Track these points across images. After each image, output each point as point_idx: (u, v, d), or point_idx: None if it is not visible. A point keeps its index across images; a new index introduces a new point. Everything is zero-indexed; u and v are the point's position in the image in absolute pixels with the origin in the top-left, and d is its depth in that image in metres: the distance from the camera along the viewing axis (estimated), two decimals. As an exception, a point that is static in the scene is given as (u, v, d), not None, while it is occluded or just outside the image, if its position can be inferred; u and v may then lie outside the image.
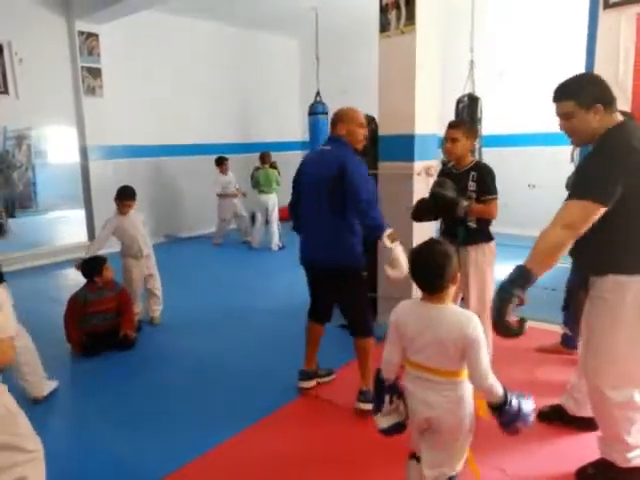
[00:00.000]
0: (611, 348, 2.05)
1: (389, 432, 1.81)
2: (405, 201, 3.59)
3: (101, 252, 4.11)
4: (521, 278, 1.85)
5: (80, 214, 7.51)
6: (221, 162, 7.53)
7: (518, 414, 1.58)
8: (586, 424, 2.48)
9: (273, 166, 7.61)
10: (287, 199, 3.16)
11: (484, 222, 2.95)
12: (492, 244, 3.02)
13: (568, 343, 3.41)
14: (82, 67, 6.98)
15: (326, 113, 7.57)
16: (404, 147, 3.72)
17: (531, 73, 6.96)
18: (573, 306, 3.08)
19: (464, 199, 2.84)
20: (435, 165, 3.83)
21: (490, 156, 5.26)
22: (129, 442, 2.68)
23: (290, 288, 5.09)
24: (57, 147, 8.75)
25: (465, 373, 1.68)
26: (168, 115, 7.90)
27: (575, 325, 2.74)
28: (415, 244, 3.66)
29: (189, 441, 2.63)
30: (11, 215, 7.64)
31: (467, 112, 5.55)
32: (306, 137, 8.64)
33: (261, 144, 8.69)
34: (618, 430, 2.10)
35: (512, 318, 1.83)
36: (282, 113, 9.68)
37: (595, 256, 1.92)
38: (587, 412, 2.48)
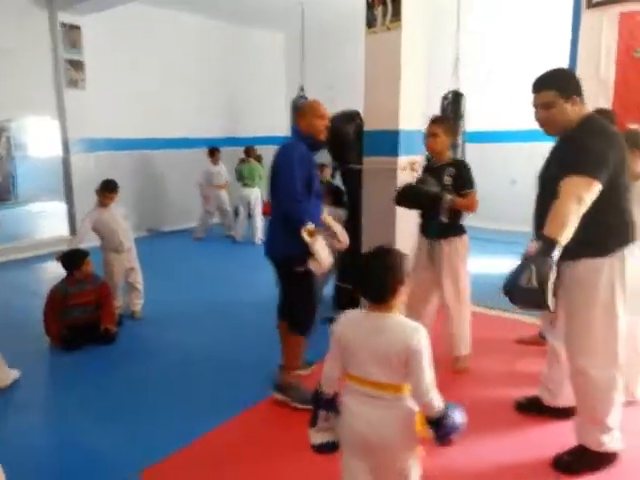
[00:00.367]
0: (591, 330, 2.11)
1: (320, 450, 1.72)
2: (389, 195, 3.61)
3: (84, 245, 4.06)
4: (553, 248, 1.86)
5: (61, 207, 7.40)
6: (213, 152, 7.59)
7: (454, 426, 1.54)
8: (562, 413, 2.54)
9: (258, 159, 7.62)
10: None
11: (456, 216, 3.01)
12: (465, 237, 3.09)
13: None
14: (64, 59, 6.86)
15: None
16: (389, 142, 3.74)
17: (515, 71, 7.02)
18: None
19: (447, 193, 2.88)
20: (420, 160, 3.86)
21: (473, 151, 5.32)
22: (110, 435, 2.65)
23: (273, 282, 5.06)
24: (38, 139, 8.60)
25: (409, 388, 1.59)
26: (152, 108, 7.81)
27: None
28: (397, 239, 3.72)
29: (171, 433, 2.61)
30: (-12, 207, 7.50)
31: (451, 108, 5.65)
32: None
33: (247, 138, 8.66)
34: (598, 411, 2.16)
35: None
36: (268, 107, 9.63)
37: (569, 242, 1.92)
38: (562, 402, 2.55)
